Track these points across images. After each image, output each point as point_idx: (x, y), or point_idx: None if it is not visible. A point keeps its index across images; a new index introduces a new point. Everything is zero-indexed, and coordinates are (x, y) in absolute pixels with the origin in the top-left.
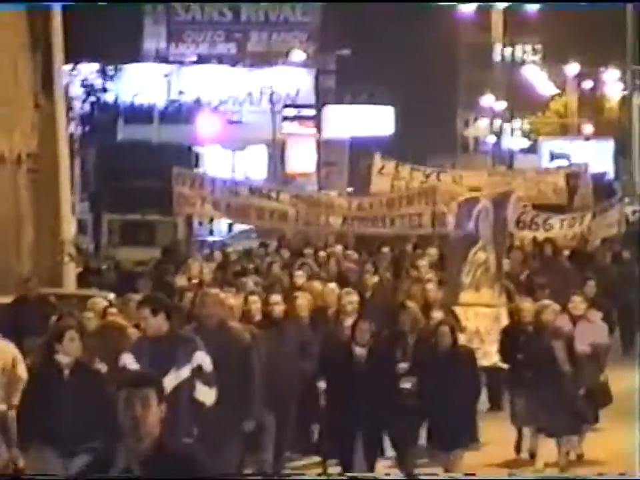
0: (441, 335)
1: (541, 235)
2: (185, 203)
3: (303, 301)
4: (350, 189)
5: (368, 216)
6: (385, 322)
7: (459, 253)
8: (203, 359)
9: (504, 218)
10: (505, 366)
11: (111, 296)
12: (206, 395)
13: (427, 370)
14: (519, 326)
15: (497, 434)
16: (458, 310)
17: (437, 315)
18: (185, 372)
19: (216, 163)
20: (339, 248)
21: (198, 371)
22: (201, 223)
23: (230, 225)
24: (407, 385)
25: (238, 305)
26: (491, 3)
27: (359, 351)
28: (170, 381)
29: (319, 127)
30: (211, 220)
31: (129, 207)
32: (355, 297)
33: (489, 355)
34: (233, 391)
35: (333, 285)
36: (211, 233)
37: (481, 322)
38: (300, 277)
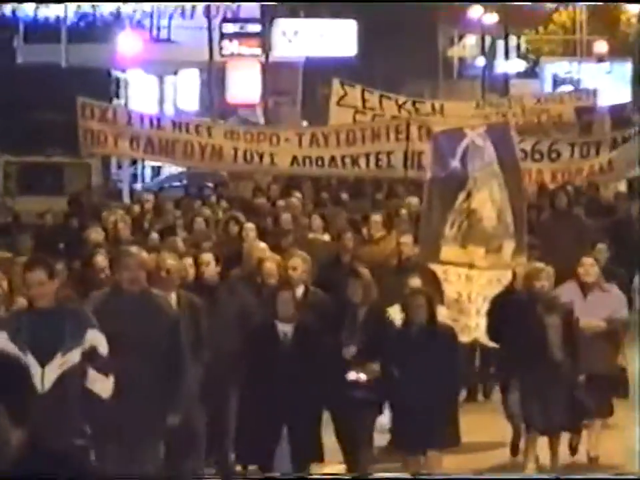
0: (414, 307)
1: (545, 166)
2: (93, 141)
3: (272, 265)
4: (304, 124)
5: (323, 154)
6: (334, 293)
7: (441, 198)
8: (96, 339)
9: (511, 155)
10: (492, 344)
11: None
12: (101, 384)
13: (389, 352)
14: (511, 295)
15: (485, 430)
16: (436, 270)
17: (414, 281)
18: (75, 356)
19: (140, 91)
20: (295, 199)
21: (90, 354)
22: (120, 166)
23: (157, 169)
24: (356, 373)
25: (176, 268)
26: None
27: (283, 327)
28: (54, 369)
29: (265, 47)
30: (134, 162)
31: (30, 146)
32: (298, 261)
33: (468, 330)
34: (155, 376)
35: (262, 245)
36: (134, 178)
37: (464, 287)
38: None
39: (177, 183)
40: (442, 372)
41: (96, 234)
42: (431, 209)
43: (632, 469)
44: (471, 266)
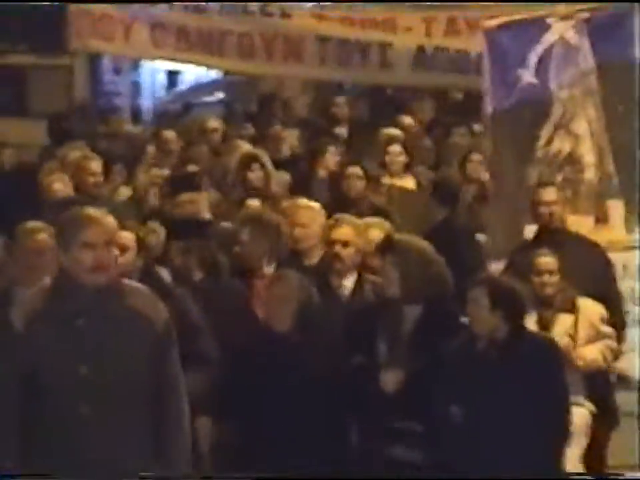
0: (470, 304)
1: None
2: (86, 27)
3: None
4: None
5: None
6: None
7: (513, 141)
8: None
9: (625, 56)
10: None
11: None
12: None
13: (446, 381)
14: None
15: None
16: None
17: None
18: None
19: None
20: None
21: None
22: (118, 71)
23: (174, 76)
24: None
25: None
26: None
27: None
28: None
29: None
30: (135, 65)
31: None
32: (346, 230)
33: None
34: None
35: (312, 204)
36: (137, 89)
37: None
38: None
39: (210, 98)
40: (540, 407)
41: (60, 184)
42: (500, 159)
43: None
44: None
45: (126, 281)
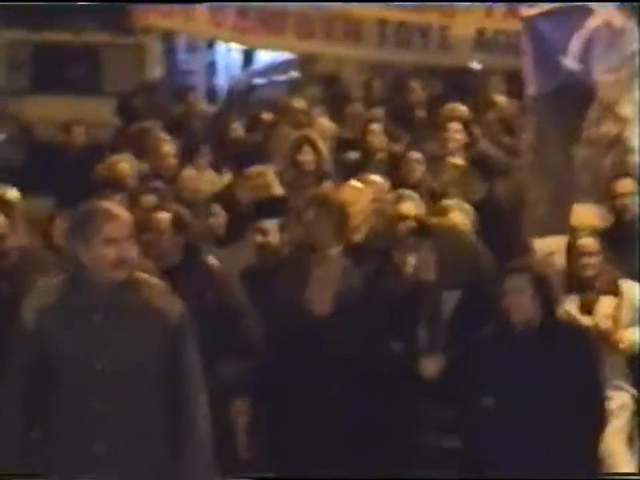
0: (511, 292)
1: None
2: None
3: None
4: None
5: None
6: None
7: (556, 125)
8: None
9: None
10: None
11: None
12: None
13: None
14: None
15: None
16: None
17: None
18: None
19: None
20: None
21: None
22: (193, 50)
23: (249, 54)
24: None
25: None
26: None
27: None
28: None
29: None
30: (210, 43)
31: (49, 16)
32: (412, 205)
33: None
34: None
35: (357, 184)
36: (212, 68)
37: None
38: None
39: (284, 77)
40: (573, 402)
41: (126, 164)
42: (545, 143)
43: None
44: None
45: (142, 275)
